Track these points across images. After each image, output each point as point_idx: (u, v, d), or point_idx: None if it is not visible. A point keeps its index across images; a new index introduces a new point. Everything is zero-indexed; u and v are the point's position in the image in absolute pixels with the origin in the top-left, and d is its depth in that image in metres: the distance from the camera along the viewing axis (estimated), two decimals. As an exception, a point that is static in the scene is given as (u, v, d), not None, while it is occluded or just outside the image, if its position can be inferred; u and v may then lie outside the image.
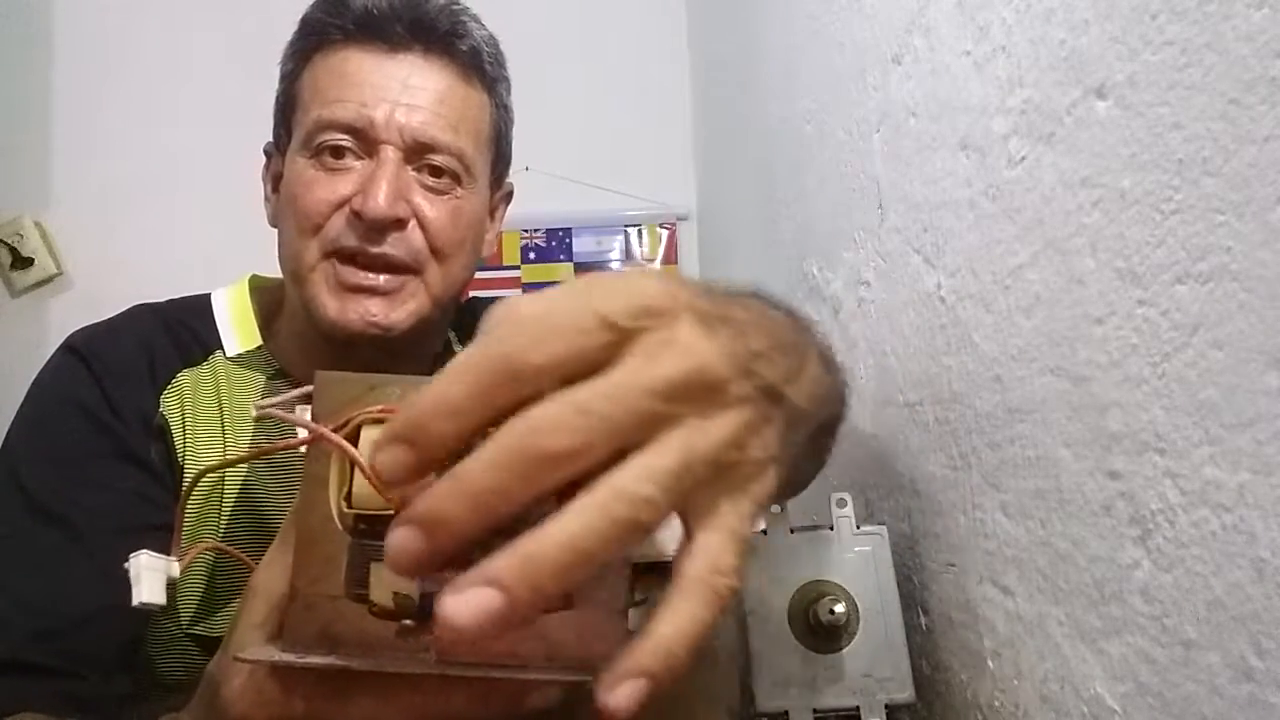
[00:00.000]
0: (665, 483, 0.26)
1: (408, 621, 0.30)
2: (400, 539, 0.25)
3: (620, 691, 0.26)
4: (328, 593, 0.32)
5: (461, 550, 0.26)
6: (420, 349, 0.74)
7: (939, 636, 0.64)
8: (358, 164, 0.67)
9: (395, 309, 0.66)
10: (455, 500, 0.25)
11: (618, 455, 0.26)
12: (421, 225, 0.68)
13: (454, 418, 0.26)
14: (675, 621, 0.27)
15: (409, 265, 0.67)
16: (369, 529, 0.31)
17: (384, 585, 0.30)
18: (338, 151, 0.66)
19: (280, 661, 0.31)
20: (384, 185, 0.65)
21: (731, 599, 0.28)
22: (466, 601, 0.24)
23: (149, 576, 0.40)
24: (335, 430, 0.31)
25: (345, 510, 0.31)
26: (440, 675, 0.31)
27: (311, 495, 0.32)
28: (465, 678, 0.31)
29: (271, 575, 0.36)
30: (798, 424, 0.33)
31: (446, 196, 0.69)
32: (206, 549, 0.64)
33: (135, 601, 0.40)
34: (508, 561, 0.25)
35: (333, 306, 0.65)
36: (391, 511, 0.29)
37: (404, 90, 0.67)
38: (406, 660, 0.31)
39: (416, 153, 0.68)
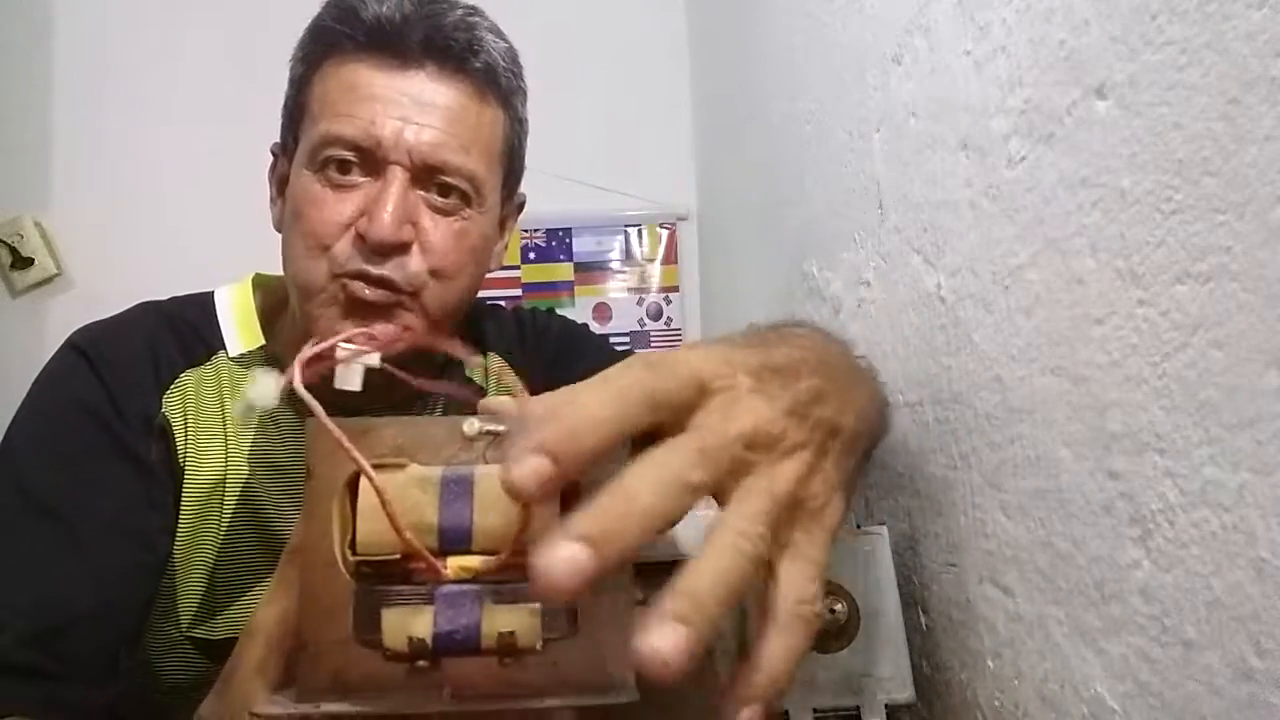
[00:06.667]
0: (766, 521, 0.31)
1: (422, 662, 0.31)
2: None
3: (744, 716, 0.30)
4: (335, 638, 0.32)
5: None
6: (424, 358, 0.74)
7: (939, 636, 0.64)
8: (363, 181, 0.66)
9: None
10: (623, 519, 0.28)
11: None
12: (424, 248, 0.67)
13: (597, 433, 0.29)
14: (776, 653, 0.31)
15: (402, 288, 0.66)
16: (374, 574, 0.32)
17: (397, 630, 0.31)
18: (344, 166, 0.65)
19: (296, 714, 0.32)
20: (388, 209, 0.64)
21: (818, 623, 0.33)
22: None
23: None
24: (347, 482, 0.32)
25: (350, 557, 0.32)
26: (457, 712, 0.31)
27: (314, 540, 0.32)
28: (481, 711, 0.31)
29: (271, 615, 0.36)
30: (855, 448, 0.37)
31: (454, 218, 0.68)
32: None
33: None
34: (675, 596, 0.28)
35: (344, 328, 0.64)
36: (397, 556, 0.30)
37: (414, 108, 0.65)
38: (422, 700, 0.31)
39: (425, 173, 0.66)
